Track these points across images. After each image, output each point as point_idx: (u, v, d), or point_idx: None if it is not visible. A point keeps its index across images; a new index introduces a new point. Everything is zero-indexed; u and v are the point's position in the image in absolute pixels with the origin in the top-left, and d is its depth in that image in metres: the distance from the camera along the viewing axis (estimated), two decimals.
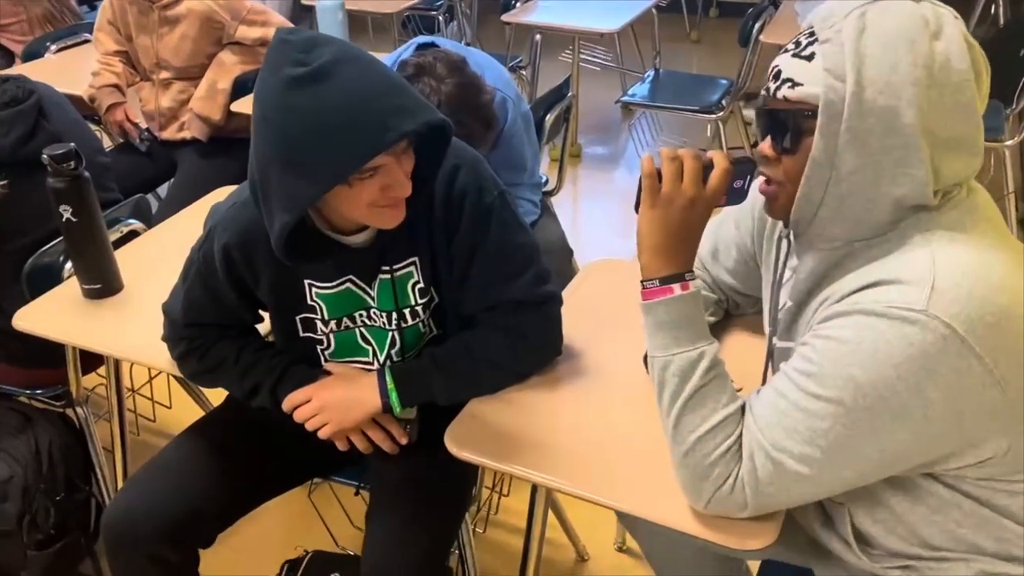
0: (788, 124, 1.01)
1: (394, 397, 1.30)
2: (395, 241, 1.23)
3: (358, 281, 1.29)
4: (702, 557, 1.42)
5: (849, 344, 0.95)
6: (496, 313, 1.31)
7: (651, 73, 3.80)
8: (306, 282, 1.30)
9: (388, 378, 1.30)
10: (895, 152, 0.96)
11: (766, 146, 1.05)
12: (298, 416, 1.31)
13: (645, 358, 1.33)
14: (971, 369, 0.92)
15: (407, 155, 1.14)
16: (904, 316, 0.92)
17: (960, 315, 0.91)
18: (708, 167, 1.07)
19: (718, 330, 1.40)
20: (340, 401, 1.30)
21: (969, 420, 0.95)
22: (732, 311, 1.43)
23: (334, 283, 1.29)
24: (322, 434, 1.31)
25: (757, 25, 3.24)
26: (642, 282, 1.10)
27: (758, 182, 1.10)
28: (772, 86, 1.02)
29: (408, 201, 1.17)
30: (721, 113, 3.37)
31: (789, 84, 1.00)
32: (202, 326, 1.37)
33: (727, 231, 1.35)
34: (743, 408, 1.05)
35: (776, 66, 1.03)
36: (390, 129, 1.05)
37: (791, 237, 1.13)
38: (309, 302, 1.31)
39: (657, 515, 1.09)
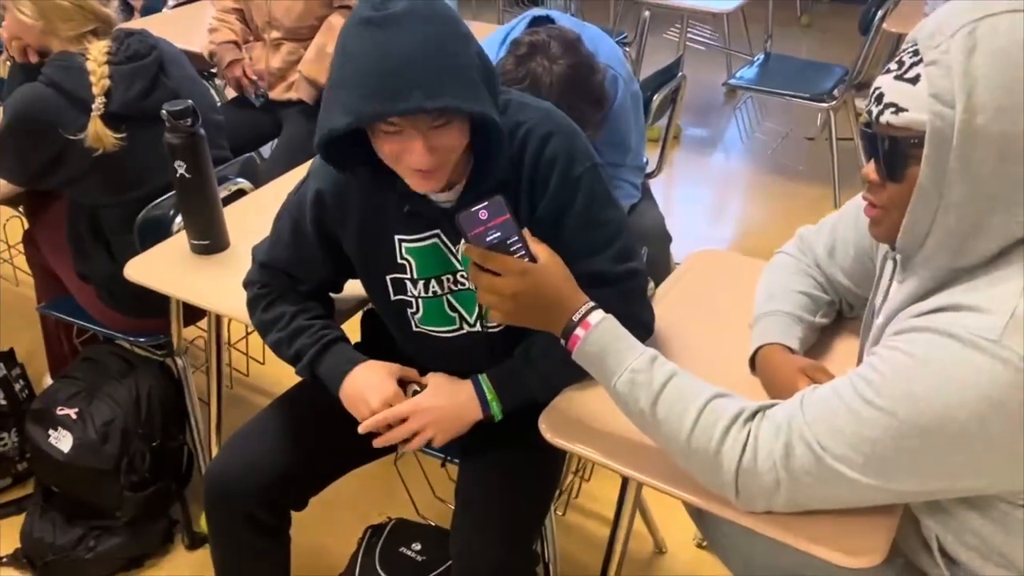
0: (892, 151, 0.95)
1: (495, 408, 1.29)
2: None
3: (445, 239, 1.29)
4: None
5: (916, 360, 0.93)
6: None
7: (761, 56, 3.67)
8: (396, 238, 1.30)
9: (486, 388, 1.29)
10: (1009, 181, 0.90)
11: (870, 170, 1.00)
12: (398, 436, 1.29)
13: (752, 359, 1.29)
14: None
15: (441, 131, 1.11)
16: (975, 343, 0.88)
17: None
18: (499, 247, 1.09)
19: (823, 334, 1.34)
20: (441, 416, 1.29)
21: None
22: (846, 313, 1.37)
23: (423, 235, 1.29)
24: (435, 443, 1.31)
25: (880, 12, 3.09)
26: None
27: (863, 204, 1.05)
28: (875, 110, 0.96)
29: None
30: (834, 102, 3.24)
31: (893, 109, 0.94)
32: (275, 270, 1.38)
33: (846, 229, 1.29)
34: (715, 392, 1.05)
35: (878, 88, 0.96)
36: (403, 100, 1.05)
37: (897, 259, 1.08)
38: (399, 260, 1.31)
39: (758, 524, 1.05)
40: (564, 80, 1.64)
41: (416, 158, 1.11)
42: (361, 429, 1.29)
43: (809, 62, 3.69)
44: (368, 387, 1.30)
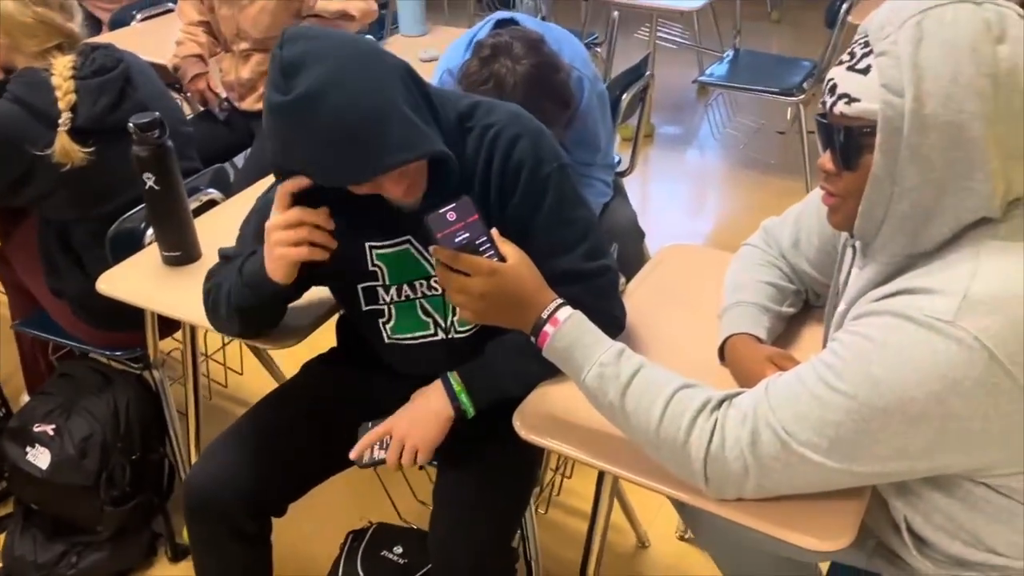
0: (846, 140, 0.98)
1: (465, 400, 1.29)
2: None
3: (416, 243, 1.30)
4: (769, 560, 1.39)
5: (874, 342, 0.94)
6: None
7: (731, 53, 3.71)
8: (367, 245, 1.30)
9: (453, 382, 1.30)
10: (959, 167, 0.92)
11: (826, 160, 1.02)
12: (393, 455, 1.29)
13: (721, 349, 1.30)
14: (999, 385, 0.90)
15: (408, 169, 1.15)
16: (931, 324, 0.91)
17: (990, 329, 0.89)
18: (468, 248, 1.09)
19: (790, 323, 1.36)
20: (414, 420, 1.30)
21: (998, 433, 0.93)
22: (812, 302, 1.40)
23: (393, 241, 1.30)
24: (419, 461, 1.30)
25: (845, 5, 3.13)
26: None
27: (822, 192, 1.07)
28: (828, 100, 0.99)
29: (434, 177, 1.22)
30: (802, 96, 3.28)
31: (845, 100, 0.96)
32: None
33: (809, 219, 1.32)
34: (682, 383, 1.07)
35: (831, 79, 0.99)
36: (367, 166, 1.08)
37: (856, 246, 1.11)
38: (370, 267, 1.32)
39: (729, 512, 1.06)
40: (528, 80, 1.66)
41: (396, 195, 1.16)
42: (352, 455, 1.30)
43: (778, 57, 3.73)
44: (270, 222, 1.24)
